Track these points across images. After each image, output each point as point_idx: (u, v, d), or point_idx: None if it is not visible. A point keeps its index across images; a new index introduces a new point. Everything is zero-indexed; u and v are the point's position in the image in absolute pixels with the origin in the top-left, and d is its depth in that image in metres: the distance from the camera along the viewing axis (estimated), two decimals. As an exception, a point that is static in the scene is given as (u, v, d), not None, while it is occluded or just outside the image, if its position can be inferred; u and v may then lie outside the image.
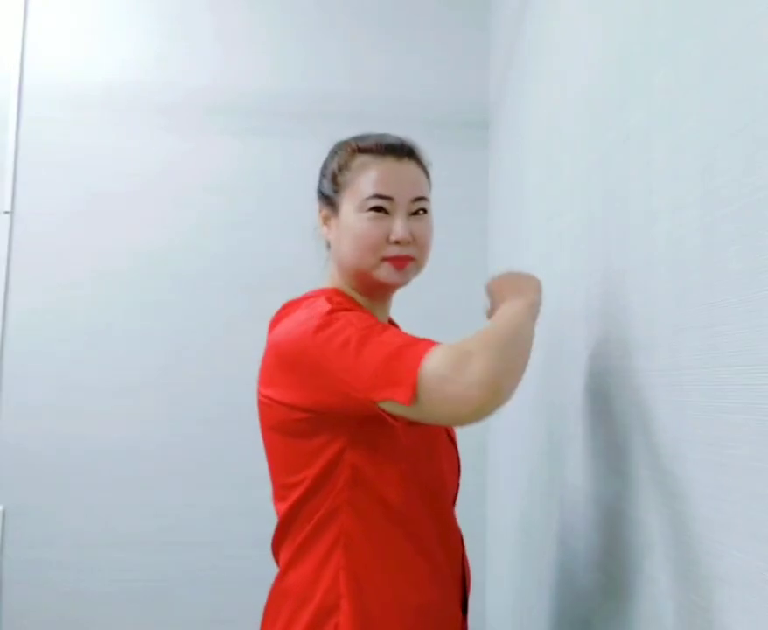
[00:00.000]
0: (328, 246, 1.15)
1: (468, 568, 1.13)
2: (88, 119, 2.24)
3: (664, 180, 0.87)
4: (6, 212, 2.18)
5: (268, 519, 1.10)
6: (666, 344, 0.85)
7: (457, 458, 1.15)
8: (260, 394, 1.06)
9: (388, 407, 0.88)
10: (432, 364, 0.84)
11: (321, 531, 0.99)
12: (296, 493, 1.01)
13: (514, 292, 1.00)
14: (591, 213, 1.17)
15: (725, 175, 0.72)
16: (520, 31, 1.82)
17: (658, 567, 0.86)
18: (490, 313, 1.05)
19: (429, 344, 0.87)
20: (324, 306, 0.97)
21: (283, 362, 0.99)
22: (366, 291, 1.09)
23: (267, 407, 1.04)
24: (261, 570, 1.11)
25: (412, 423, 0.95)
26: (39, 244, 2.19)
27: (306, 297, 1.07)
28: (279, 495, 1.06)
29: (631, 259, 0.97)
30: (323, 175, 1.13)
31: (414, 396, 0.84)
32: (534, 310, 0.98)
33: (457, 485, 1.15)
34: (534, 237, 1.61)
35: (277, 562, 1.09)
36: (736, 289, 0.69)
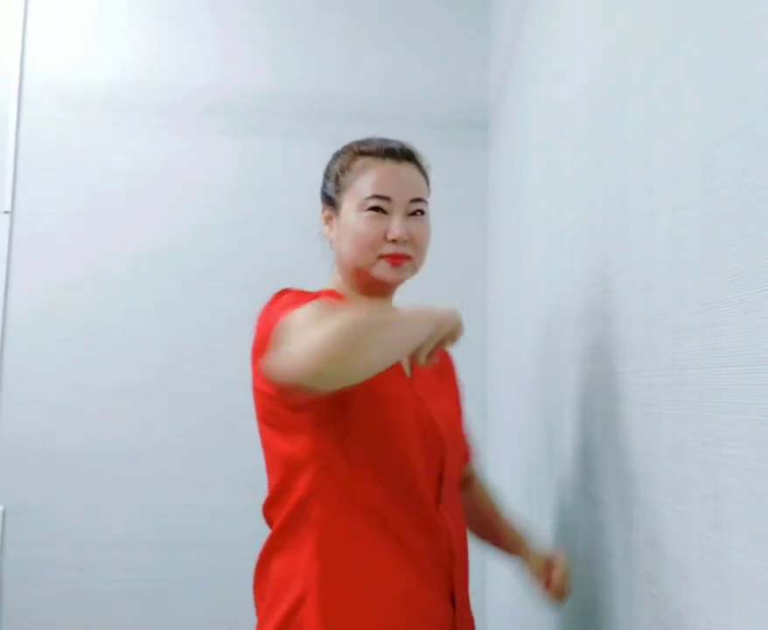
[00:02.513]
0: (332, 246, 1.18)
1: (462, 557, 1.11)
2: (88, 119, 2.24)
3: (664, 180, 0.87)
4: (6, 212, 2.18)
5: (268, 519, 1.10)
6: (666, 344, 0.85)
7: (448, 440, 1.11)
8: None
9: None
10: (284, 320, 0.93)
11: (296, 520, 1.03)
12: (274, 480, 1.08)
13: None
14: (591, 212, 1.17)
15: (725, 175, 0.72)
16: (520, 31, 1.82)
17: (658, 567, 0.86)
18: None
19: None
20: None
21: (253, 350, 1.09)
22: (365, 290, 1.13)
23: (255, 397, 1.12)
24: (261, 570, 1.13)
25: (372, 406, 1.02)
26: (39, 244, 2.20)
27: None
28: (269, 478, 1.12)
29: (631, 259, 0.97)
30: (326, 177, 1.18)
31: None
32: (429, 320, 0.94)
33: (441, 465, 1.10)
34: (534, 237, 1.61)
35: (269, 524, 1.13)
36: (736, 289, 0.69)
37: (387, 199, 1.07)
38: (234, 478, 2.16)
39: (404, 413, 1.07)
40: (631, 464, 0.95)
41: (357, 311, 0.88)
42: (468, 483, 1.26)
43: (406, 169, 1.11)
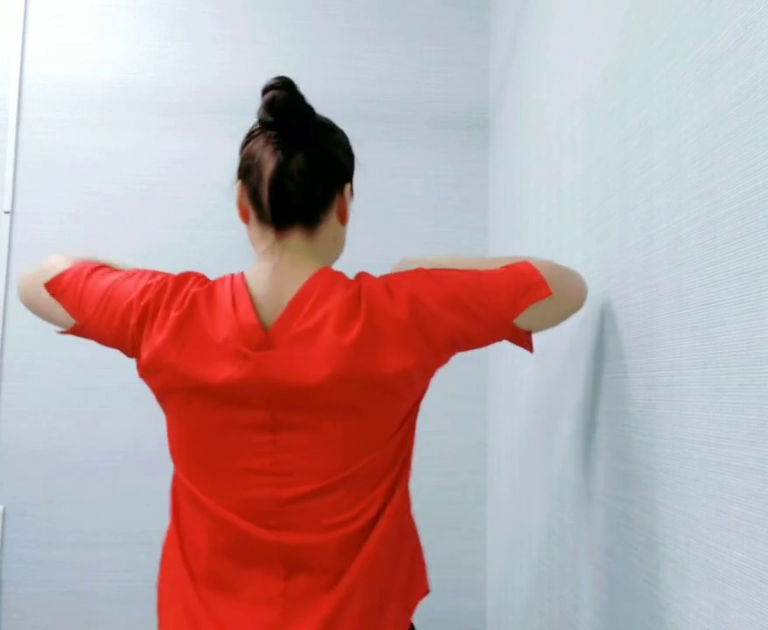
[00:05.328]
0: None
1: None
2: (88, 119, 2.24)
3: (664, 180, 0.87)
4: (6, 212, 2.18)
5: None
6: (666, 344, 0.85)
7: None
8: None
9: None
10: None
11: None
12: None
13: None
14: (591, 213, 1.17)
15: (725, 175, 0.72)
16: (520, 31, 1.82)
17: (658, 567, 0.86)
18: None
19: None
20: None
21: None
22: None
23: None
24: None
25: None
26: (39, 244, 2.20)
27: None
28: None
29: (631, 259, 0.98)
30: None
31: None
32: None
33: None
34: (534, 237, 1.61)
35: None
36: (736, 289, 0.69)
37: None
38: (234, 478, 2.16)
39: None
40: (632, 464, 0.95)
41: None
42: None
43: None
